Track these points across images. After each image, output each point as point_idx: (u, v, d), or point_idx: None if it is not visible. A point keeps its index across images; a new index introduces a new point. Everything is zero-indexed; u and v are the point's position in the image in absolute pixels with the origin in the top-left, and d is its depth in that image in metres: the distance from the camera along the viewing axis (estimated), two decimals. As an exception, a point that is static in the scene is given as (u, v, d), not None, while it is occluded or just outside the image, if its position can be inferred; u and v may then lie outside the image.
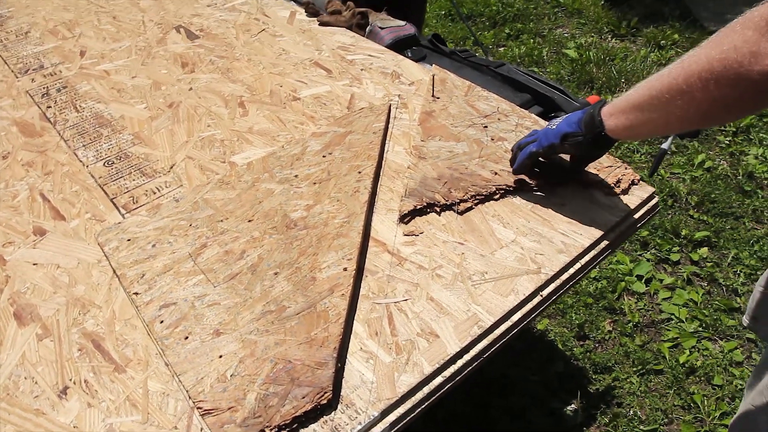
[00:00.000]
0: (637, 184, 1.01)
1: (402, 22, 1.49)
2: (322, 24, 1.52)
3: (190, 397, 0.74)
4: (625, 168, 1.02)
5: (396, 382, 0.75)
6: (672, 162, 2.51)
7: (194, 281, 0.87)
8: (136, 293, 0.86)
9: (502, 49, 3.33)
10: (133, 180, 1.08)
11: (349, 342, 0.80)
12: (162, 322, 0.82)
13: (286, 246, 0.91)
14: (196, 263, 0.89)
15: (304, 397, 0.72)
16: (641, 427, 1.64)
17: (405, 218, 0.96)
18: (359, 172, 1.03)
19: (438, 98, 1.20)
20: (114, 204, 1.03)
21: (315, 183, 1.01)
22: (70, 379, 0.77)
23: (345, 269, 0.86)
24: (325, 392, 0.72)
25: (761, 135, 2.64)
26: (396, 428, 0.74)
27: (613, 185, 0.99)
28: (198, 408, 0.72)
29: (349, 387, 0.75)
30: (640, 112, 0.80)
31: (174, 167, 1.10)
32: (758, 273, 2.04)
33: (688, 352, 1.80)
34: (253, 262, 0.89)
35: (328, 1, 1.59)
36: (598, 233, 0.93)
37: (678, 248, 2.13)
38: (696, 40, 3.25)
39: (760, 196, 2.34)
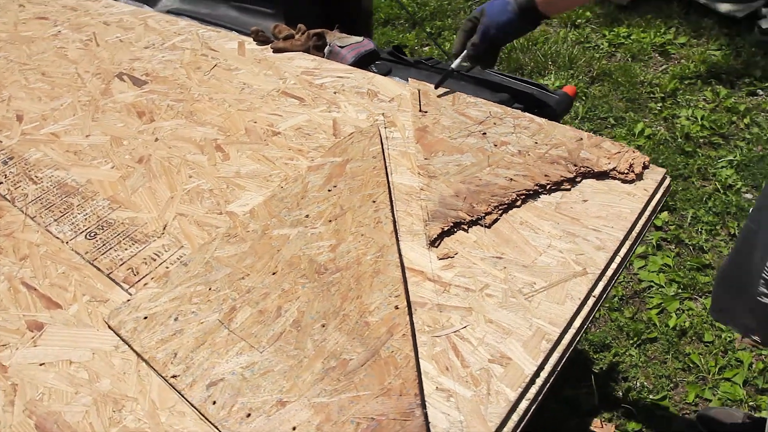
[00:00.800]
0: (648, 167, 1.01)
1: (359, 38, 1.45)
2: (277, 51, 1.46)
3: (272, 481, 0.67)
4: (633, 152, 1.03)
5: (485, 416, 0.71)
6: (615, 135, 2.60)
7: (236, 350, 0.79)
8: (174, 376, 0.77)
9: (426, 48, 3.35)
10: (125, 249, 0.98)
11: (422, 384, 0.75)
12: (215, 402, 0.74)
13: (323, 293, 0.85)
14: (231, 330, 0.82)
15: (401, 456, 0.66)
16: (651, 396, 1.68)
17: (435, 242, 0.92)
18: (374, 201, 0.98)
19: (426, 112, 1.16)
20: (112, 280, 0.93)
21: (331, 220, 0.96)
22: (128, 490, 0.68)
23: (396, 307, 0.81)
24: (422, 445, 0.67)
25: (687, 97, 2.79)
26: (496, 465, 0.70)
27: (627, 171, 1.00)
28: (288, 492, 0.65)
29: (439, 431, 0.70)
30: None
31: (167, 227, 1.01)
32: (717, 227, 2.15)
33: (674, 315, 1.86)
34: (294, 317, 0.82)
35: (274, 26, 1.52)
36: (628, 223, 0.93)
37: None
38: (607, 14, 3.39)
39: (700, 154, 2.47)
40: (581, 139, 1.07)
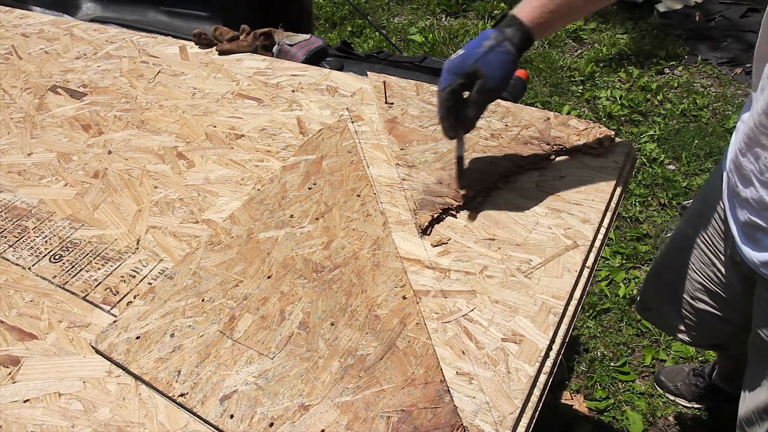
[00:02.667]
0: (614, 141, 1.06)
1: (307, 36, 1.43)
2: (222, 53, 1.41)
3: (309, 488, 0.64)
4: (600, 127, 1.07)
5: (509, 393, 0.72)
6: (544, 119, 2.69)
7: (244, 359, 0.76)
8: (183, 395, 0.73)
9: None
10: (98, 269, 0.92)
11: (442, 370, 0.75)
12: (232, 416, 0.70)
13: (326, 292, 0.82)
14: (236, 340, 0.78)
15: (439, 443, 0.66)
16: (612, 364, 1.75)
17: (427, 230, 0.92)
18: (359, 195, 0.96)
19: (392, 104, 1.16)
20: (90, 302, 0.87)
21: (317, 218, 0.93)
22: None
23: (404, 297, 0.81)
24: (457, 427, 0.67)
25: (604, 78, 2.93)
26: (527, 441, 0.71)
27: (596, 146, 1.04)
28: (329, 496, 0.63)
29: (468, 415, 0.70)
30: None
31: (140, 242, 0.95)
32: (649, 199, 2.28)
33: (622, 285, 1.96)
34: (300, 319, 0.80)
35: (214, 29, 1.47)
36: (606, 195, 0.97)
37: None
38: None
39: (624, 132, 2.60)
40: (548, 118, 1.10)
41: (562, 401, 1.66)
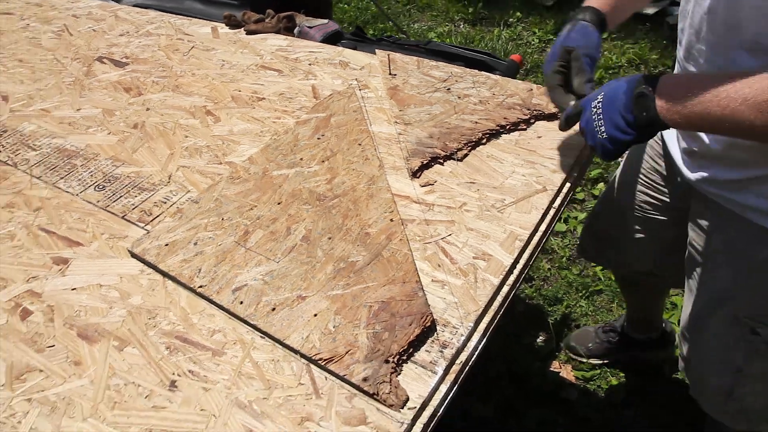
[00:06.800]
0: (589, 110, 1.19)
1: (325, 21, 1.59)
2: (249, 33, 1.57)
3: (302, 356, 0.78)
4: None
5: (475, 297, 0.85)
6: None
7: (254, 263, 0.90)
8: (201, 286, 0.88)
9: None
10: (135, 197, 1.08)
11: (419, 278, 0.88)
12: (242, 302, 0.85)
13: (326, 215, 0.97)
14: (248, 248, 0.93)
15: (410, 325, 0.79)
16: (600, 339, 1.86)
17: (417, 173, 1.06)
18: (359, 144, 1.11)
19: (395, 75, 1.31)
20: (127, 220, 1.03)
21: (323, 161, 1.08)
22: (174, 373, 0.78)
23: (392, 220, 0.95)
24: (427, 315, 0.80)
25: (612, 85, 3.05)
26: (487, 335, 0.84)
27: (572, 113, 1.17)
28: (318, 361, 0.77)
29: (438, 311, 0.84)
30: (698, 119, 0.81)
31: (172, 177, 1.11)
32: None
33: (615, 270, 2.06)
34: (303, 234, 0.94)
35: (243, 13, 1.64)
36: (576, 151, 1.10)
37: (580, 188, 2.42)
38: (535, 14, 3.66)
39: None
40: (531, 89, 1.24)
41: (552, 369, 1.77)
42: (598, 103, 0.91)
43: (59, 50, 1.60)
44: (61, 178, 1.14)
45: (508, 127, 1.15)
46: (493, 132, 1.14)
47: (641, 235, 1.33)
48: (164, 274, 0.91)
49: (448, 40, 3.38)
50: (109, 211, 1.05)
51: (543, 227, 0.98)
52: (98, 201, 1.07)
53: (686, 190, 1.11)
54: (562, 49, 1.01)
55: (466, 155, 1.10)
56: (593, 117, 0.92)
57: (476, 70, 1.32)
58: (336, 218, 0.96)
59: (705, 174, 1.02)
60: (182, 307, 0.87)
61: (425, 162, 1.07)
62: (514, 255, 0.92)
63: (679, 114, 0.82)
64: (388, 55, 1.36)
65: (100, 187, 1.10)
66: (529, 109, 1.18)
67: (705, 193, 1.04)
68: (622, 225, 1.36)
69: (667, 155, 1.18)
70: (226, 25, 1.62)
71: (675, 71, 1.07)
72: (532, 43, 3.45)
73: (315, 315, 0.82)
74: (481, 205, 1.00)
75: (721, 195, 1.01)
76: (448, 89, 1.26)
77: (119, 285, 0.91)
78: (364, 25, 3.75)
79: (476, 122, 1.15)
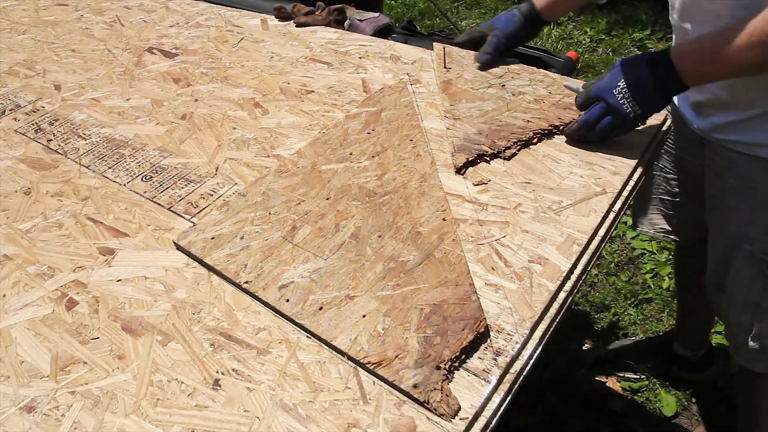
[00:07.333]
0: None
1: (376, 14, 1.56)
2: (299, 25, 1.55)
3: (349, 358, 0.75)
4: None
5: (531, 303, 0.81)
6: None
7: (301, 259, 0.88)
8: (247, 282, 0.86)
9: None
10: (182, 188, 1.06)
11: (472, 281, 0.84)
12: (288, 300, 0.82)
13: (376, 212, 0.94)
14: (295, 244, 0.90)
15: (463, 330, 0.76)
16: (650, 350, 1.79)
17: (460, 170, 1.02)
18: (411, 140, 1.08)
19: (450, 68, 1.27)
20: (174, 212, 1.01)
21: (374, 156, 1.05)
22: (217, 371, 0.76)
23: (444, 219, 0.91)
24: (480, 321, 0.76)
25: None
26: (542, 343, 0.79)
27: (635, 113, 1.11)
28: (366, 364, 0.74)
29: (492, 316, 0.80)
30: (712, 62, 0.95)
31: (219, 169, 1.10)
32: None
33: (667, 278, 1.98)
34: (351, 231, 0.91)
35: (293, 6, 1.62)
36: (638, 152, 1.04)
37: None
38: (587, 12, 3.56)
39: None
40: (591, 87, 1.18)
41: (596, 378, 1.71)
42: (623, 89, 1.01)
43: (110, 41, 1.61)
44: (109, 167, 1.13)
45: (561, 127, 1.10)
46: (545, 132, 1.09)
47: (681, 199, 1.40)
48: (209, 268, 0.90)
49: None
50: (155, 202, 1.04)
51: (602, 232, 0.93)
52: (145, 192, 1.06)
53: (699, 142, 1.20)
54: (488, 26, 1.30)
55: (514, 154, 1.06)
56: (622, 102, 1.01)
57: (534, 68, 1.27)
58: (386, 216, 0.93)
59: (714, 120, 1.12)
60: (227, 302, 0.85)
61: (471, 159, 1.03)
62: (571, 260, 0.87)
63: (701, 74, 0.97)
64: (444, 47, 1.32)
65: (147, 177, 1.10)
66: (587, 108, 1.12)
67: (715, 141, 1.14)
68: (664, 191, 1.44)
69: (675, 112, 1.27)
70: (276, 17, 1.61)
71: (673, 38, 1.21)
72: (583, 42, 3.35)
73: (363, 316, 0.79)
74: (537, 207, 0.95)
75: (730, 139, 1.10)
76: (503, 85, 1.21)
77: (164, 278, 0.90)
78: (412, 21, 3.71)
79: (528, 121, 1.11)
